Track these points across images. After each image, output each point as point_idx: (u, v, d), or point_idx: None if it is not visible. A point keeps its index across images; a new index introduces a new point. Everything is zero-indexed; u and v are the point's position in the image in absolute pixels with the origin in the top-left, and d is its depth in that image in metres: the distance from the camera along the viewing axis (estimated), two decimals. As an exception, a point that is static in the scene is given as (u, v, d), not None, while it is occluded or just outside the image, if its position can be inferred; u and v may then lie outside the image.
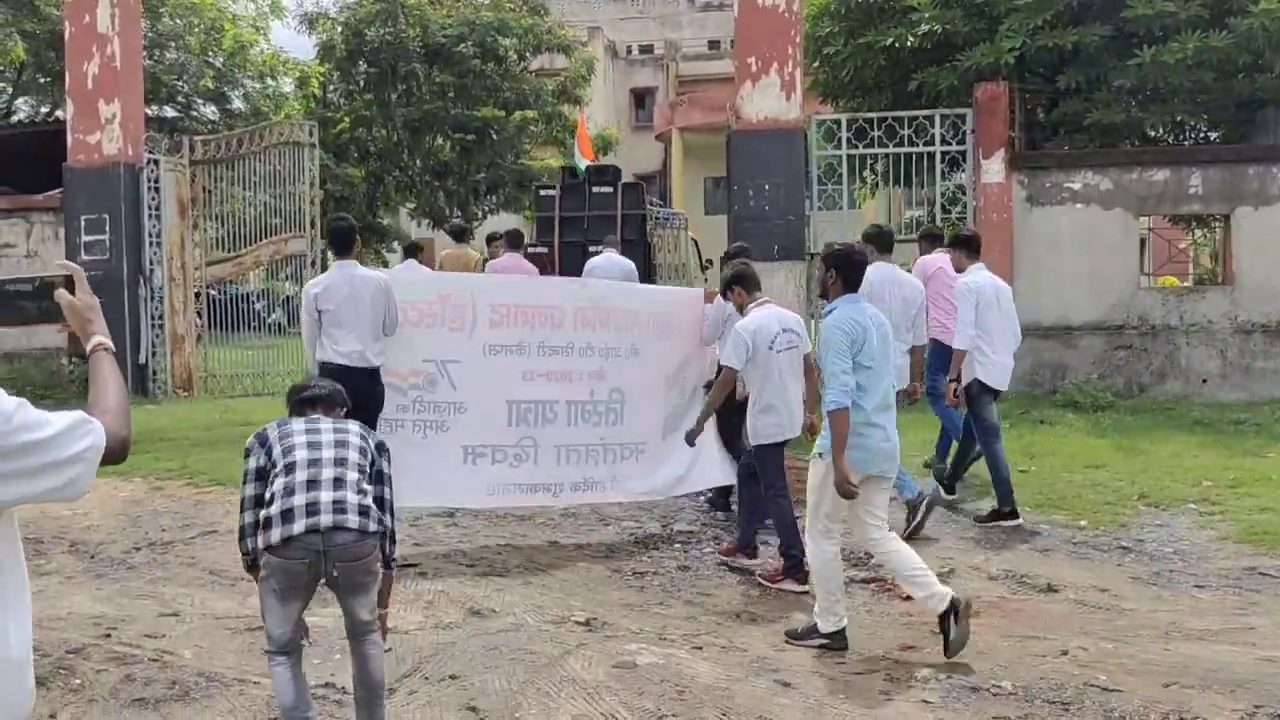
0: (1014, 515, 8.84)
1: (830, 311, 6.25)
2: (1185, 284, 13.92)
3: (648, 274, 16.81)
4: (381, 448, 4.85)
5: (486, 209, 31.83)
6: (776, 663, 6.06)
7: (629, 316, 8.63)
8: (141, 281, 15.28)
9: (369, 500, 4.59)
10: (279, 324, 18.03)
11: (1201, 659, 6.00)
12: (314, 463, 4.57)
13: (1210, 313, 13.26)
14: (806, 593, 7.07)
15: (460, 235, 13.91)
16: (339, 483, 4.53)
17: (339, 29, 28.44)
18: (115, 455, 2.43)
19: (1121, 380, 13.29)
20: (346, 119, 29.54)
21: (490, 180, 30.09)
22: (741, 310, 7.70)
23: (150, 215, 15.46)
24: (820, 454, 6.19)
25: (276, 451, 4.65)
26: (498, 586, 7.38)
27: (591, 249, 15.27)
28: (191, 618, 6.79)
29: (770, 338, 7.35)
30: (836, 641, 6.24)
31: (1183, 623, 6.65)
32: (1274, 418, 12.11)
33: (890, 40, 15.05)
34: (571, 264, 14.90)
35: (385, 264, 31.02)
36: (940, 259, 9.95)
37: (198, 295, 16.18)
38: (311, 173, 17.02)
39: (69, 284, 2.63)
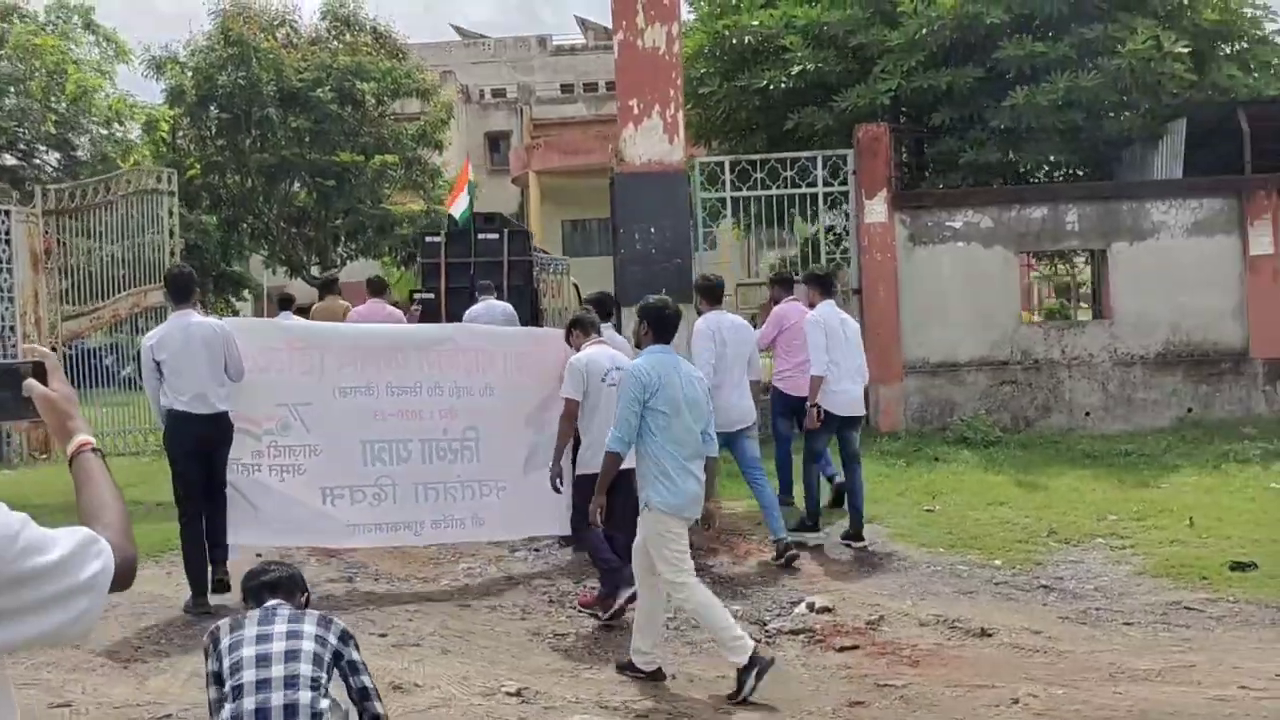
0: (816, 528, 9.61)
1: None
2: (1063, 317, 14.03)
3: (534, 318, 16.75)
4: (346, 636, 4.28)
5: (345, 255, 31.11)
6: (728, 727, 5.79)
7: (483, 357, 8.81)
8: (-7, 338, 14.36)
9: (324, 703, 4.06)
10: (131, 379, 17.12)
11: (1156, 702, 5.91)
12: (263, 660, 4.07)
13: (1090, 346, 13.48)
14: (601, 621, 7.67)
15: (328, 287, 13.55)
16: (291, 682, 4.03)
17: (188, 74, 27.50)
18: (124, 579, 2.00)
19: (1008, 415, 13.41)
20: (197, 165, 28.57)
21: (349, 226, 29.40)
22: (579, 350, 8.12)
23: (1, 269, 14.56)
24: (646, 505, 6.37)
25: (224, 652, 4.15)
26: (415, 658, 6.95)
27: (479, 295, 15.00)
28: (86, 708, 6.20)
29: (602, 372, 7.73)
30: (761, 666, 6.22)
31: (1124, 663, 6.58)
32: (1160, 448, 12.31)
33: (765, 82, 15.05)
34: (458, 309, 14.71)
35: (236, 313, 30.08)
36: (798, 307, 10.14)
37: (53, 349, 15.26)
38: (170, 222, 16.32)
39: (39, 372, 2.20)
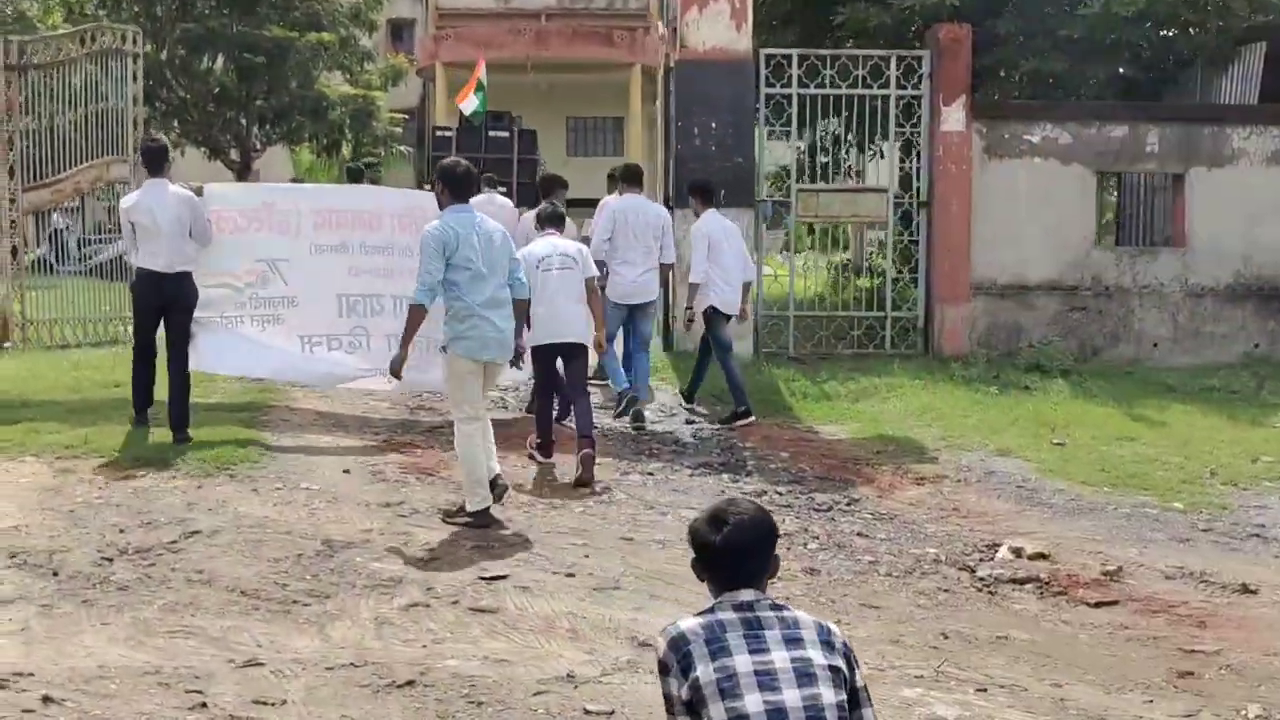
0: (749, 414, 10.14)
1: None
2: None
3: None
4: (849, 654, 3.03)
5: (268, 138, 29.06)
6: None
7: (396, 220, 9.49)
8: (-49, 210, 12.61)
9: None
10: (102, 265, 15.29)
11: None
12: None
13: (1162, 275, 12.90)
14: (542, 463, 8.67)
15: (357, 176, 12.72)
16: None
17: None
18: None
19: (1075, 342, 12.77)
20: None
21: (276, 108, 27.34)
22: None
23: (-41, 129, 12.77)
24: (443, 347, 7.29)
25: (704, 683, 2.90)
26: (633, 605, 5.96)
27: (482, 186, 14.12)
28: (284, 666, 5.06)
29: (538, 258, 8.44)
30: (480, 519, 7.04)
31: None
32: (1249, 385, 11.83)
33: (819, -28, 13.95)
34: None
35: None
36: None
37: (13, 226, 13.52)
38: (134, 88, 14.54)
39: None
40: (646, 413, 10.20)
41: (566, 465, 8.59)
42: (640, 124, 47.46)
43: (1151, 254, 13.28)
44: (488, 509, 7.10)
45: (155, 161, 8.88)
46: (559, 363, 8.70)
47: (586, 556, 6.72)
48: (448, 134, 18.97)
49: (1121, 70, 14.06)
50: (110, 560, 6.37)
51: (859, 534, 7.50)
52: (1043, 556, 7.08)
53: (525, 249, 8.46)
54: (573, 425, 8.77)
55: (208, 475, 8.00)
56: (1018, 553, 7.19)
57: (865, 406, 11.10)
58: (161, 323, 8.80)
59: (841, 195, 13.22)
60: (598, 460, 8.42)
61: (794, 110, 12.71)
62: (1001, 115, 12.92)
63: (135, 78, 14.53)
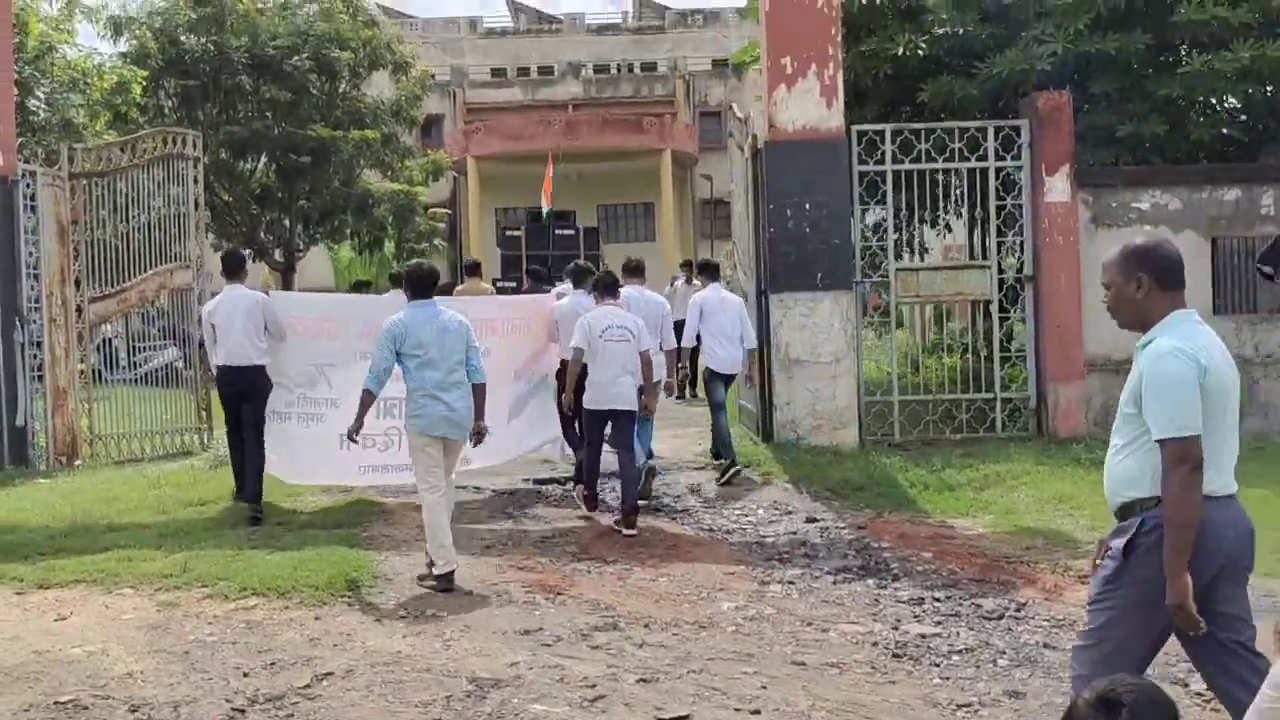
0: (734, 463, 11.12)
1: None
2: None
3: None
4: None
5: (311, 238, 28.77)
6: None
7: (486, 325, 10.15)
8: (18, 324, 12.12)
9: None
10: (169, 368, 14.75)
11: None
12: None
13: (1284, 342, 12.26)
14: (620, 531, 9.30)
15: (474, 270, 14.44)
16: None
17: (151, 34, 24.94)
18: None
19: (1198, 419, 12.05)
20: (152, 138, 26.02)
21: (320, 207, 27.08)
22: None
23: (26, 240, 12.33)
24: (405, 428, 8.22)
25: None
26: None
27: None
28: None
29: (601, 329, 9.44)
30: (444, 583, 7.66)
31: None
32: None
33: (900, 48, 13.48)
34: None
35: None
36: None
37: (80, 339, 13.04)
38: (195, 191, 14.20)
39: None
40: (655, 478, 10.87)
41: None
42: (671, 209, 47.41)
43: (1273, 322, 12.62)
44: (452, 573, 7.74)
45: (236, 267, 10.33)
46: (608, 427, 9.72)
47: (764, 688, 6.04)
48: (517, 233, 20.53)
49: (1224, 131, 13.48)
50: (243, 712, 5.72)
51: (1045, 645, 6.80)
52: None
53: (585, 317, 9.63)
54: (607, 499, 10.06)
55: (323, 604, 7.39)
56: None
57: (993, 496, 10.43)
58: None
59: (942, 273, 12.66)
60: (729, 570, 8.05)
61: (889, 187, 12.18)
62: (1108, 183, 12.36)
63: (196, 181, 14.27)
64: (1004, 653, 6.65)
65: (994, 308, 12.37)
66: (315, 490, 10.75)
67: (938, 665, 6.60)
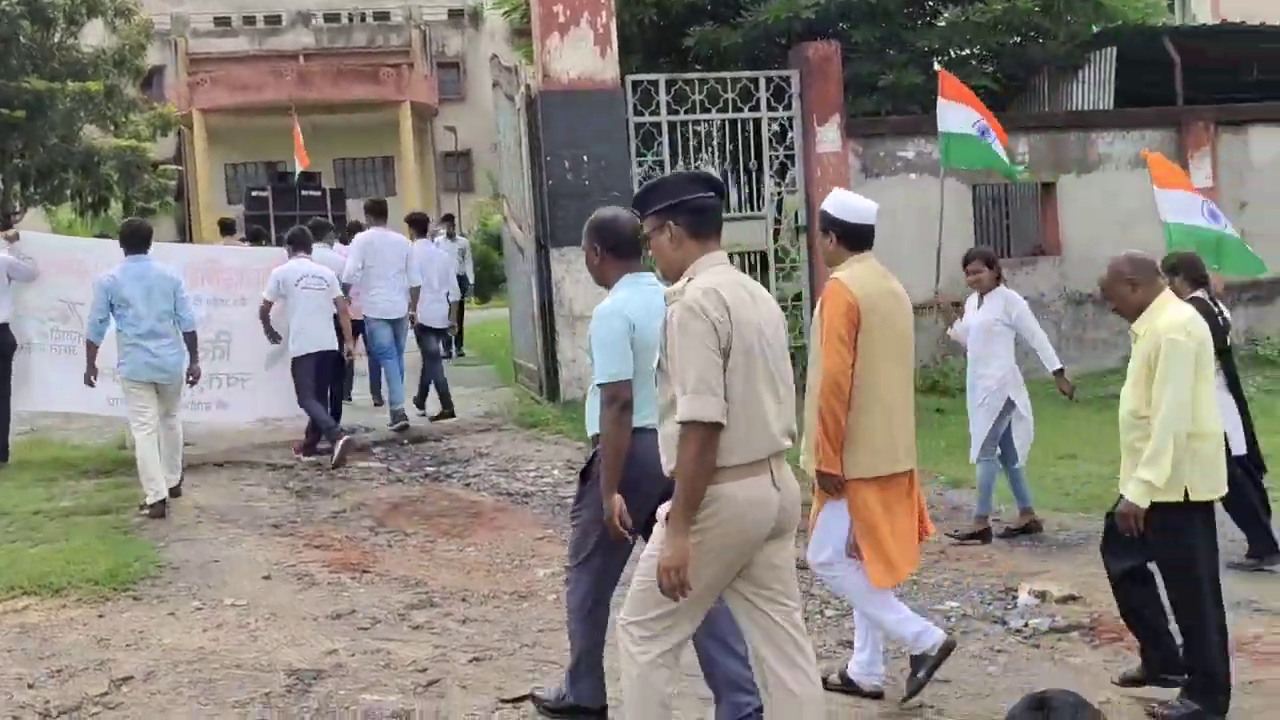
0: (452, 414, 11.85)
1: None
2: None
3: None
4: None
5: (29, 199, 26.63)
6: None
7: (241, 274, 10.71)
8: None
9: None
10: None
11: None
12: None
13: (1041, 284, 12.80)
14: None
15: (229, 230, 14.39)
16: None
17: None
18: None
19: (963, 360, 12.48)
20: None
21: (41, 164, 25.06)
22: None
23: None
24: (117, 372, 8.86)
25: None
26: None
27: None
28: None
29: (296, 278, 10.08)
30: (156, 510, 8.42)
31: None
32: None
33: (664, -7, 13.37)
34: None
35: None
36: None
37: None
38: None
39: None
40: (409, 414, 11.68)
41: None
42: (412, 162, 46.29)
43: (1031, 264, 13.18)
44: (162, 501, 8.43)
45: None
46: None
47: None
48: (263, 193, 20.09)
49: (975, 83, 13.92)
50: (32, 727, 5.13)
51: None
52: (1073, 599, 6.59)
53: (278, 269, 10.21)
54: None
55: (106, 600, 6.74)
56: (1042, 596, 6.68)
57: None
58: None
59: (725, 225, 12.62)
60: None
61: (665, 139, 12.05)
62: (876, 133, 12.59)
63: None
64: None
65: (770, 258, 12.44)
66: (74, 474, 9.91)
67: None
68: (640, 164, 12.12)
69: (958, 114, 9.41)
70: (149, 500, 8.41)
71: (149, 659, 5.83)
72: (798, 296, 12.49)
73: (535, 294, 11.96)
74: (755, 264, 12.44)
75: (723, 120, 12.30)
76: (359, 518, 8.62)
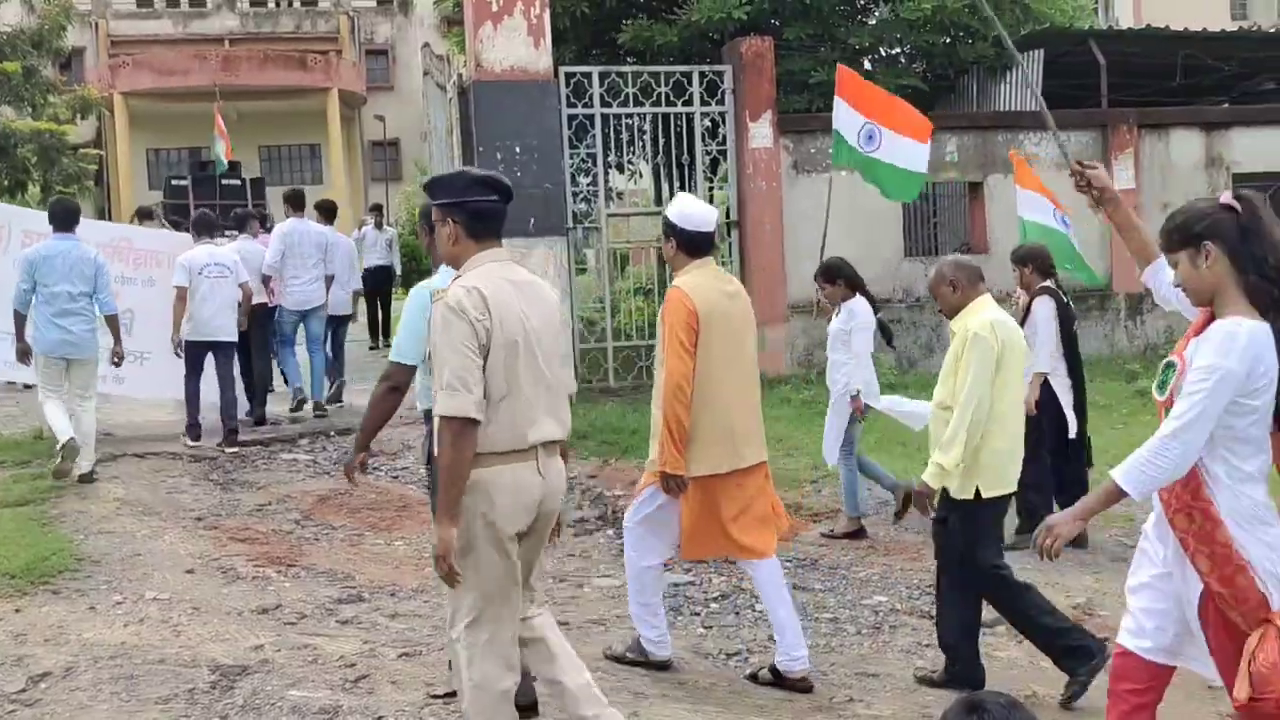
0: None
1: None
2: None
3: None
4: None
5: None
6: None
7: (152, 256, 10.93)
8: None
9: None
10: None
11: None
12: None
13: (967, 283, 12.91)
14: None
15: (147, 216, 14.23)
16: None
17: None
18: None
19: (892, 355, 12.61)
20: None
21: (-43, 147, 24.46)
22: None
23: None
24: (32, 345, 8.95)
25: None
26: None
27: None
28: None
29: (200, 266, 10.27)
30: (66, 454, 8.58)
31: None
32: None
33: (599, -13, 13.33)
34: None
35: None
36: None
37: None
38: None
39: None
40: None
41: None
42: (340, 150, 45.77)
43: (956, 262, 13.29)
44: (73, 439, 8.59)
45: None
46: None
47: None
48: (183, 182, 19.98)
49: (905, 81, 14.05)
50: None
51: (795, 586, 6.85)
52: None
53: (184, 256, 10.37)
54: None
55: (23, 594, 6.56)
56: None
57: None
58: None
59: (652, 219, 12.62)
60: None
61: (598, 131, 12.02)
62: (808, 129, 12.64)
63: None
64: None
65: (702, 252, 12.42)
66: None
67: (698, 614, 6.58)
68: (573, 156, 12.09)
69: (847, 116, 9.46)
70: (60, 443, 8.58)
71: (68, 655, 5.69)
72: (728, 291, 12.48)
73: (465, 286, 11.85)
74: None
75: (655, 114, 12.29)
76: (285, 511, 8.52)
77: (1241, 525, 3.35)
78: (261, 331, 11.40)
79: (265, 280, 11.29)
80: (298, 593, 6.68)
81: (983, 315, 5.25)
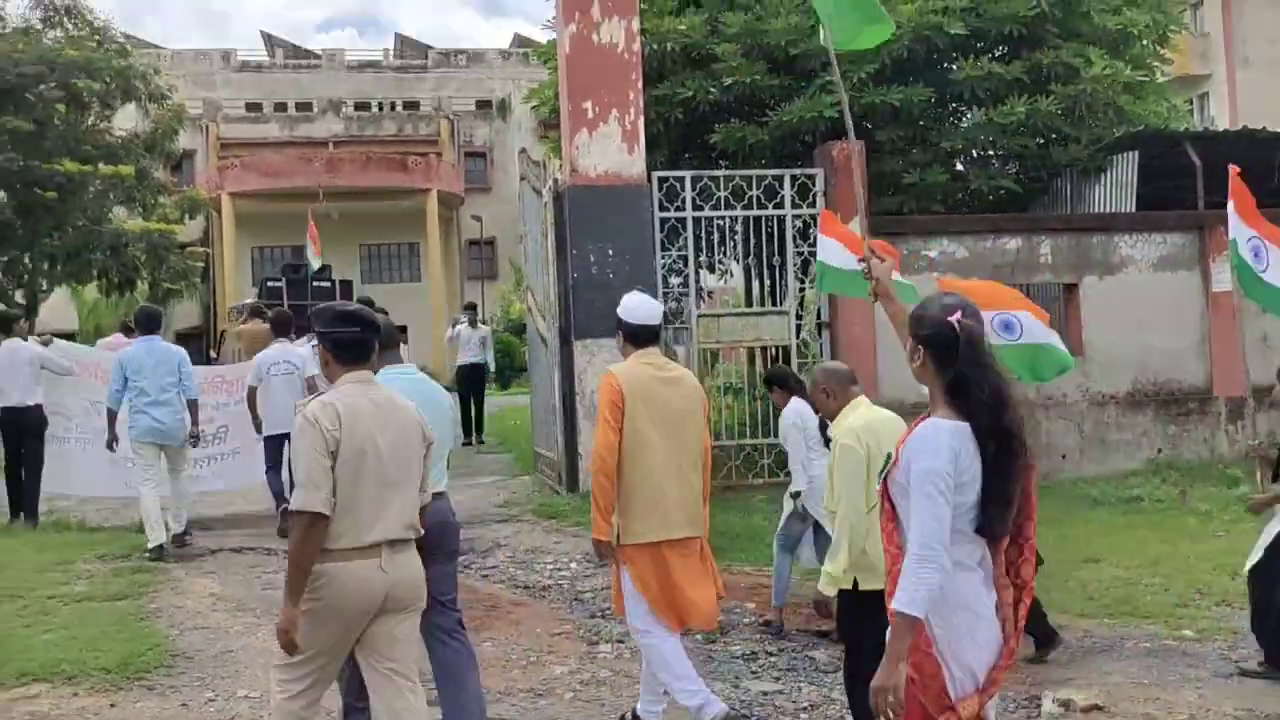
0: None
1: None
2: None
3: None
4: None
5: (55, 279, 26.88)
6: None
7: (239, 381, 11.97)
8: None
9: None
10: None
11: None
12: None
13: (1064, 385, 12.73)
14: None
15: (258, 313, 14.64)
16: None
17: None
18: None
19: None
20: None
21: (69, 246, 25.31)
22: None
23: None
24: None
25: None
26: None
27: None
28: None
29: (269, 364, 10.96)
30: (153, 554, 9.70)
31: None
32: (1173, 493, 11.68)
33: (691, 93, 13.54)
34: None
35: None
36: None
37: None
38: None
39: None
40: None
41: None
42: (438, 250, 46.72)
43: (1053, 364, 13.15)
44: (161, 546, 9.71)
45: (5, 328, 12.45)
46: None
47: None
48: (278, 284, 21.11)
49: (999, 183, 14.02)
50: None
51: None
52: (1098, 708, 6.47)
53: (259, 355, 11.31)
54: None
55: (118, 688, 6.68)
56: (1066, 705, 6.56)
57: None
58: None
59: (743, 319, 12.70)
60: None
61: (689, 234, 12.16)
62: (900, 232, 12.62)
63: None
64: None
65: (793, 353, 12.45)
66: (89, 556, 9.88)
67: (786, 724, 6.47)
68: (665, 257, 12.22)
69: (834, 250, 9.48)
70: (150, 544, 9.72)
71: None
72: (820, 390, 12.45)
73: (557, 384, 11.98)
74: (777, 357, 12.49)
75: (747, 216, 12.40)
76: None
77: (937, 610, 3.40)
78: None
79: None
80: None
81: (850, 421, 5.47)
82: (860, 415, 5.51)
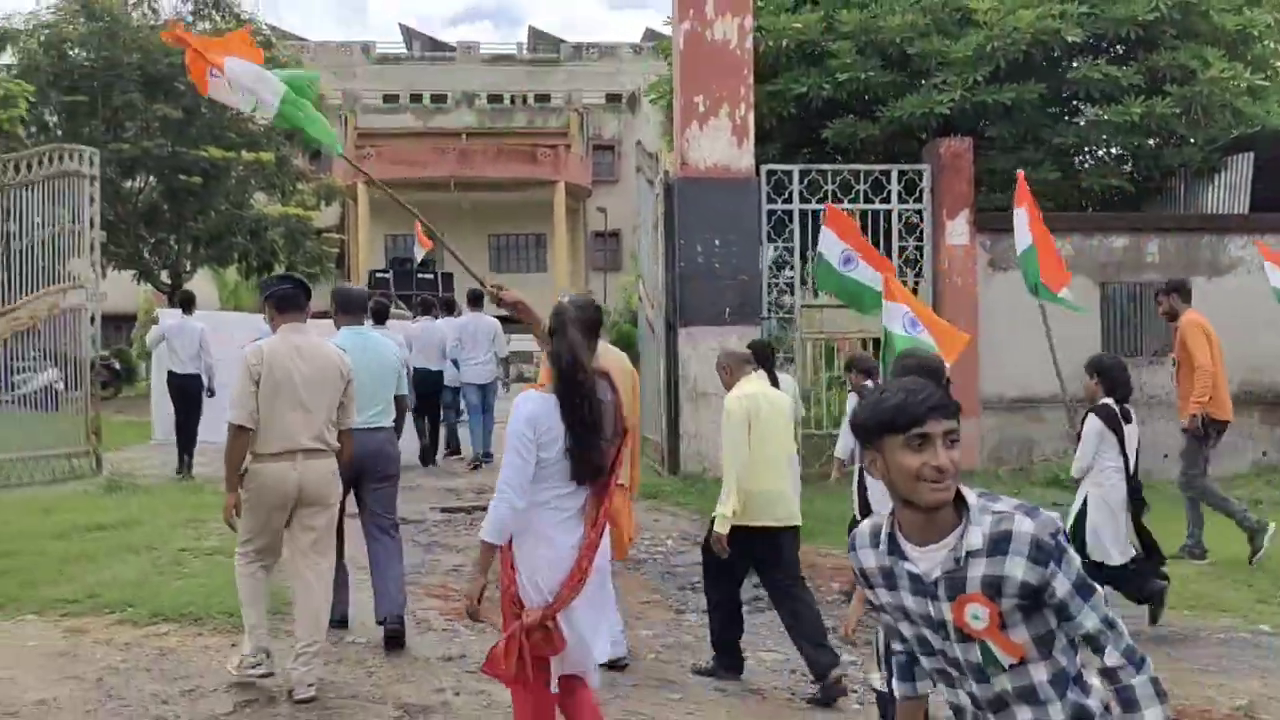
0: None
1: None
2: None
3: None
4: None
5: (198, 261, 28.21)
6: None
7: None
8: (-94, 341, 11.81)
9: None
10: (48, 390, 14.23)
11: None
12: None
13: (1168, 384, 12.74)
14: None
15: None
16: None
17: (39, 47, 24.34)
18: None
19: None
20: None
21: (213, 229, 26.58)
22: None
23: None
24: None
25: None
26: None
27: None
28: None
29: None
30: None
31: None
32: (1276, 495, 11.63)
33: (804, 89, 13.82)
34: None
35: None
36: None
37: (-32, 361, 12.72)
38: (91, 211, 13.91)
39: None
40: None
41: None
42: (564, 241, 47.55)
43: (1160, 363, 13.15)
44: None
45: (186, 305, 14.15)
46: None
47: (690, 715, 6.15)
48: (385, 275, 23.11)
49: (1112, 181, 14.04)
50: (176, 746, 5.63)
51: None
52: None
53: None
54: None
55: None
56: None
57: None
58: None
59: (845, 311, 12.94)
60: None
61: (796, 227, 12.46)
62: (1006, 228, 12.72)
63: (93, 200, 13.91)
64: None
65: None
66: (219, 516, 10.55)
67: (855, 691, 6.76)
68: (772, 249, 12.54)
69: (830, 242, 9.62)
70: None
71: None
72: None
73: (662, 370, 12.38)
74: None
75: (854, 210, 12.64)
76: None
77: (520, 537, 4.26)
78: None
79: (454, 362, 13.49)
80: (481, 645, 7.14)
81: (737, 391, 6.43)
82: (747, 387, 6.43)
